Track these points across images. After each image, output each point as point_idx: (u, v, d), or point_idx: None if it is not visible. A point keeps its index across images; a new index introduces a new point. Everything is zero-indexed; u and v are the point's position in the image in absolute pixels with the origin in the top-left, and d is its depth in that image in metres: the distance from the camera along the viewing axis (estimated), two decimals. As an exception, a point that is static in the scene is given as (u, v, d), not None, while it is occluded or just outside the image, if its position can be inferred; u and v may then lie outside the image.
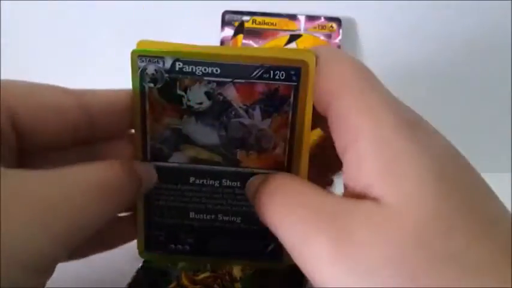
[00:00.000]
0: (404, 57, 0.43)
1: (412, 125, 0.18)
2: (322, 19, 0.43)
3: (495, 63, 0.42)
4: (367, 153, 0.17)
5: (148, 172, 0.23)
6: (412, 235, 0.15)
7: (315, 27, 0.43)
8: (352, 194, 0.18)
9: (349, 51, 0.43)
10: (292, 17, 0.43)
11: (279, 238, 0.19)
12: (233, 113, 0.23)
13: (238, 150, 0.23)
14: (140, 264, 0.36)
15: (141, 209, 0.25)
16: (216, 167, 0.24)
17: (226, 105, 0.22)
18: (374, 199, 0.17)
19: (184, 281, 0.35)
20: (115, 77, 0.41)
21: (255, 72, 0.22)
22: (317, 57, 0.21)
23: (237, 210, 0.24)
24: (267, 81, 0.22)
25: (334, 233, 0.16)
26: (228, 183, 0.24)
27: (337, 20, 0.42)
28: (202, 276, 0.35)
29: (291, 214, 0.18)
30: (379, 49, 0.43)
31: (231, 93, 0.22)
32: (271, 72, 0.22)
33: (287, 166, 0.23)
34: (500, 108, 0.42)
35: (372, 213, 0.16)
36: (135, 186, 0.21)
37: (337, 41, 0.42)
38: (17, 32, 0.44)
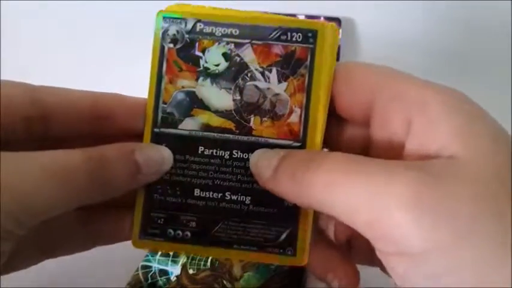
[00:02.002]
0: (404, 57, 0.44)
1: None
2: (322, 19, 0.44)
3: (496, 62, 0.44)
4: (440, 118, 0.19)
5: (150, 159, 0.23)
6: (493, 177, 0.17)
7: (314, 27, 0.44)
8: (419, 158, 0.19)
9: (349, 51, 0.44)
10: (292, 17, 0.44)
11: (328, 206, 0.19)
12: (249, 75, 0.23)
13: (252, 116, 0.23)
14: (140, 263, 0.35)
15: (142, 187, 0.24)
16: (227, 135, 0.23)
17: (243, 67, 0.23)
18: (449, 157, 0.18)
19: (184, 281, 0.34)
20: (115, 76, 0.41)
21: (273, 34, 0.23)
22: (339, 69, 0.23)
23: (246, 188, 0.23)
24: (284, 43, 0.23)
25: (413, 179, 0.17)
26: (239, 154, 0.23)
27: (337, 20, 0.44)
28: (202, 275, 0.34)
29: (353, 175, 0.18)
30: (379, 49, 0.44)
31: (249, 54, 0.23)
32: (289, 33, 0.23)
33: (302, 136, 0.23)
34: (500, 108, 0.43)
35: (450, 164, 0.18)
36: (99, 173, 0.20)
37: (336, 41, 0.44)
38: (17, 32, 0.45)
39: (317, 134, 0.23)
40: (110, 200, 0.24)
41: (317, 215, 0.24)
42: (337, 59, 0.43)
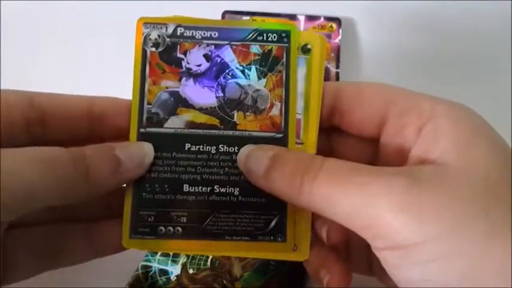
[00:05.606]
0: (404, 58, 0.45)
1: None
2: (322, 19, 0.46)
3: (496, 61, 0.45)
4: (445, 129, 0.22)
5: (131, 153, 0.24)
6: (481, 180, 0.20)
7: (314, 27, 0.46)
8: (416, 162, 0.22)
9: (349, 51, 0.46)
10: (292, 17, 0.46)
11: (327, 212, 0.22)
12: (230, 73, 0.25)
13: (235, 111, 0.26)
14: (140, 263, 0.37)
15: (130, 186, 0.25)
16: (213, 131, 0.26)
17: (224, 66, 0.25)
18: (440, 163, 0.21)
19: (184, 280, 0.35)
20: (115, 76, 0.43)
21: (250, 35, 0.25)
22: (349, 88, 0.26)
23: (234, 180, 0.25)
24: (261, 43, 0.26)
25: (400, 186, 0.20)
26: (225, 148, 0.25)
27: (337, 20, 0.46)
28: (202, 274, 0.36)
29: (349, 185, 0.21)
30: (379, 49, 0.46)
31: (228, 54, 0.25)
32: (265, 34, 0.26)
33: (284, 128, 0.25)
34: (500, 108, 0.44)
35: (439, 169, 0.21)
36: (80, 162, 0.22)
37: (336, 41, 0.45)
38: (17, 32, 0.47)
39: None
40: (112, 211, 0.26)
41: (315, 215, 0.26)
42: (337, 59, 0.45)
